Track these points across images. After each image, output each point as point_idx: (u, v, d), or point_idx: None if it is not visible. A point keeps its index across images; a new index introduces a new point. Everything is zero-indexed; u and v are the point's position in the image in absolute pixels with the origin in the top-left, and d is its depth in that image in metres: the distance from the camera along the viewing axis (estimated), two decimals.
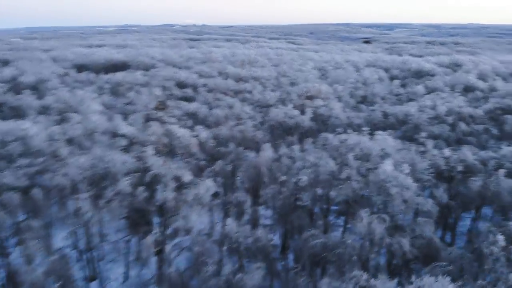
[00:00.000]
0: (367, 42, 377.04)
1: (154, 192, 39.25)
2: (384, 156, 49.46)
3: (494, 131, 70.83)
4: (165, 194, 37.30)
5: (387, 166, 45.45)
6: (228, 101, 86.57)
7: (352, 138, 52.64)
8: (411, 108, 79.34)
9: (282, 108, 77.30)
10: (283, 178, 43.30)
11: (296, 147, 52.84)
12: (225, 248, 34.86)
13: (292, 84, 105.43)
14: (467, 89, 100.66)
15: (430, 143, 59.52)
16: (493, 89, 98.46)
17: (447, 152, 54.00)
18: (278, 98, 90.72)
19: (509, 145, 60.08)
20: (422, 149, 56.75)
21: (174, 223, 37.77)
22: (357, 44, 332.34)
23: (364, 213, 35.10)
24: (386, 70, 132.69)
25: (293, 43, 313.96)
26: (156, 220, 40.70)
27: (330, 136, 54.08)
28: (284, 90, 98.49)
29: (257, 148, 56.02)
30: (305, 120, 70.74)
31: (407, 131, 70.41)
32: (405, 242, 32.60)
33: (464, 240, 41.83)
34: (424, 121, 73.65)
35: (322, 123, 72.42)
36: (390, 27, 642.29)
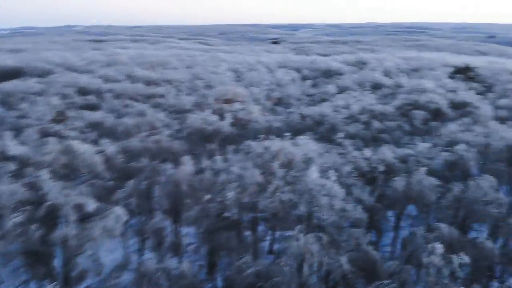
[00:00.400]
0: (275, 42, 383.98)
1: (53, 227, 32.36)
2: (308, 161, 47.32)
3: (406, 127, 73.24)
4: (65, 229, 30.71)
5: (313, 173, 43.22)
6: (139, 107, 79.36)
7: (275, 144, 49.85)
8: (326, 108, 79.27)
9: (199, 113, 72.39)
10: (207, 195, 38.69)
11: (219, 158, 48.59)
12: None
13: (208, 87, 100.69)
14: (375, 87, 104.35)
15: (348, 144, 59.13)
16: (399, 85, 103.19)
17: (366, 152, 53.55)
18: (194, 102, 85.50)
19: (423, 141, 61.97)
20: (342, 150, 55.92)
21: (79, 263, 31.28)
22: (266, 45, 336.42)
23: (297, 230, 32.03)
24: (297, 70, 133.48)
25: (204, 44, 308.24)
26: (58, 261, 33.65)
27: (252, 143, 50.68)
28: (200, 93, 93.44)
29: (175, 161, 50.62)
30: (225, 125, 66.72)
31: (324, 132, 69.73)
32: (344, 260, 30.02)
33: (399, 248, 40.81)
34: (340, 121, 73.81)
35: (242, 128, 68.99)
36: (296, 27, 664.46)
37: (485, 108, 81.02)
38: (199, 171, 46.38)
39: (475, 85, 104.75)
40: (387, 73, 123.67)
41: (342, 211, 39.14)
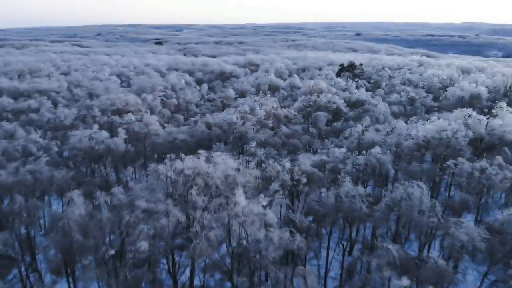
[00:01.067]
0: (159, 43, 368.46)
1: None
2: (231, 184, 40.51)
3: (313, 130, 70.99)
4: None
5: (240, 198, 36.70)
6: (6, 127, 64.08)
7: (187, 162, 41.98)
8: (231, 115, 73.27)
9: (84, 129, 60.24)
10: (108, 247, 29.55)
11: (117, 189, 38.95)
12: None
13: (91, 96, 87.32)
14: (272, 89, 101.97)
15: (262, 153, 54.25)
16: (294, 86, 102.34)
17: (285, 163, 48.85)
18: (76, 116, 72.39)
19: (334, 146, 59.56)
20: (258, 162, 50.47)
21: None
22: (150, 46, 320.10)
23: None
24: (190, 73, 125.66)
25: (80, 46, 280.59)
26: None
27: (159, 166, 42.02)
28: (82, 104, 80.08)
29: (61, 195, 39.69)
30: (119, 143, 56.14)
31: (236, 142, 63.78)
32: None
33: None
34: (249, 128, 68.49)
35: (141, 144, 59.28)
36: (179, 28, 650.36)
37: (380, 105, 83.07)
38: (95, 207, 36.61)
39: (362, 82, 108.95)
40: (280, 74, 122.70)
41: (276, 241, 33.50)
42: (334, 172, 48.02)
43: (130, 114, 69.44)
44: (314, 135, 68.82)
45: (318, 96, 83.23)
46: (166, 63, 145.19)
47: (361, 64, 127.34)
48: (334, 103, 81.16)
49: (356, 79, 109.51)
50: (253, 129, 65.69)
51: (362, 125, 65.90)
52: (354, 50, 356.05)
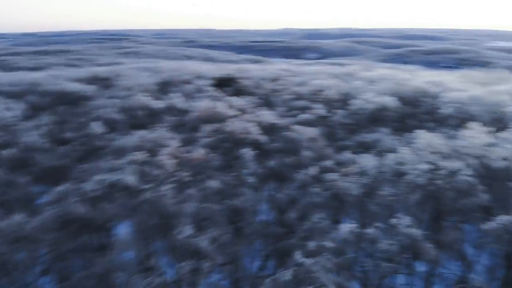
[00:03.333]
0: None
1: None
2: None
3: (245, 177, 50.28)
4: None
5: None
6: None
7: None
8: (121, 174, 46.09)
9: None
10: None
11: None
12: None
13: None
14: (152, 114, 76.37)
15: None
16: (180, 110, 78.50)
17: None
18: None
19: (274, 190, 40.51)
20: None
21: None
22: None
23: None
24: (18, 98, 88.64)
25: None
26: None
27: None
28: None
29: None
30: None
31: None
32: None
33: None
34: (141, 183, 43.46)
35: None
36: None
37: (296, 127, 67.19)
38: None
39: (250, 98, 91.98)
40: (146, 92, 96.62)
41: None
42: None
43: None
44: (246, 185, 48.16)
45: (223, 124, 62.79)
46: None
47: (236, 78, 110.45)
48: (247, 132, 61.83)
49: (240, 95, 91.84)
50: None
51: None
52: (190, 57, 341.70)
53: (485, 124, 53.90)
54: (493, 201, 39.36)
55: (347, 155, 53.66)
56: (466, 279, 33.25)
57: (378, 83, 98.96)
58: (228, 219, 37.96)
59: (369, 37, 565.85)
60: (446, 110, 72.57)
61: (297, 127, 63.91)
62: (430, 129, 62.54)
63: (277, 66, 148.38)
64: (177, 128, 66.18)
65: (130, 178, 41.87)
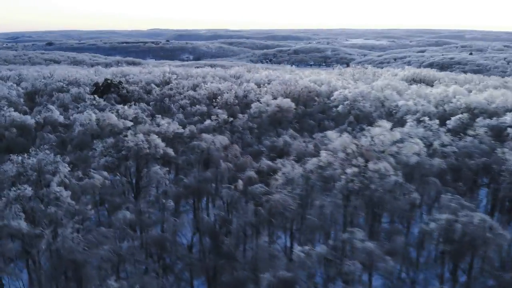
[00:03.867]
0: None
1: None
2: None
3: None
4: None
5: None
6: None
7: None
8: None
9: None
10: None
11: None
12: None
13: None
14: (26, 133, 62.70)
15: None
16: (51, 123, 65.97)
17: None
18: None
19: None
20: None
21: None
22: None
23: None
24: None
25: None
26: None
27: None
28: None
29: None
30: None
31: None
32: None
33: None
34: None
35: None
36: None
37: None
38: None
39: (144, 106, 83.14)
40: (13, 107, 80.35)
41: None
42: None
43: None
44: None
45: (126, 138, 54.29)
46: None
47: (120, 82, 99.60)
48: (156, 146, 54.36)
49: (133, 103, 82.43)
50: None
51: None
52: (56, 61, 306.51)
53: (385, 119, 56.14)
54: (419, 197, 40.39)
55: (265, 162, 50.61)
56: None
57: (270, 85, 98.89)
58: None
59: (239, 38, 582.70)
60: (342, 109, 75.08)
61: (204, 135, 58.74)
62: (333, 128, 63.72)
63: (161, 68, 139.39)
64: (61, 147, 55.27)
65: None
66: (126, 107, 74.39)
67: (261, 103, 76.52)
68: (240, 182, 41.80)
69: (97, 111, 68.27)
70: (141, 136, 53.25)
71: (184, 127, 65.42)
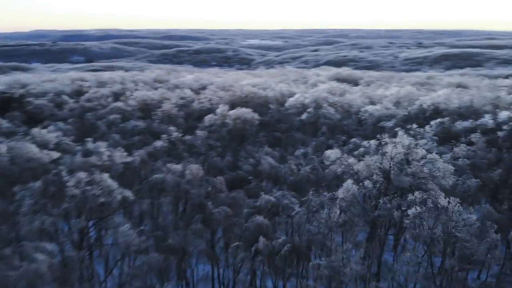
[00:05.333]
0: None
1: None
2: None
3: None
4: None
5: None
6: None
7: None
8: None
9: None
10: None
11: None
12: None
13: None
14: None
15: None
16: None
17: None
18: None
19: None
20: None
21: None
22: None
23: None
24: None
25: None
26: None
27: None
28: None
29: None
30: None
31: None
32: None
33: None
34: None
35: None
36: None
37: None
38: None
39: (60, 126, 63.52)
40: None
41: None
42: None
43: None
44: None
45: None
46: None
47: (22, 96, 76.71)
48: (110, 190, 38.26)
49: (45, 123, 62.71)
50: None
51: None
52: None
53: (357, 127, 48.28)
54: None
55: (265, 198, 38.53)
56: None
57: (208, 91, 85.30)
58: None
59: (134, 38, 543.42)
60: (307, 118, 65.54)
61: (170, 166, 43.87)
62: (304, 141, 53.98)
63: (65, 74, 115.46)
64: None
65: None
66: (41, 129, 55.01)
67: (215, 114, 63.31)
68: (262, 240, 29.16)
69: (3, 138, 48.38)
70: (82, 175, 36.99)
71: (129, 153, 49.65)
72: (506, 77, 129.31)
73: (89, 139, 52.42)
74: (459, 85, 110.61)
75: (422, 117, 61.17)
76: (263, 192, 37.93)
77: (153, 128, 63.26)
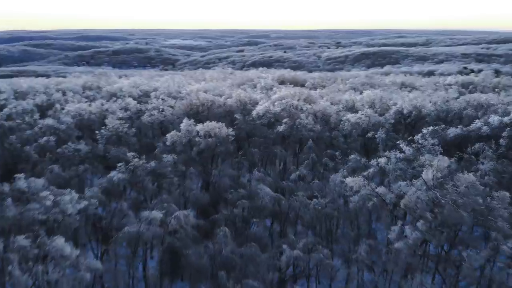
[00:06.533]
0: None
1: None
2: None
3: None
4: None
5: None
6: None
7: None
8: None
9: None
10: None
11: None
12: None
13: None
14: None
15: None
16: None
17: None
18: None
19: None
20: None
21: None
22: None
23: None
24: None
25: None
26: None
27: None
28: None
29: None
30: None
31: None
32: None
33: None
34: None
35: None
36: None
37: None
38: None
39: None
40: None
41: None
42: None
43: None
44: None
45: None
46: None
47: None
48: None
49: None
50: None
51: None
52: None
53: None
54: None
55: None
56: None
57: (155, 100, 72.07)
58: None
59: (44, 39, 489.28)
60: (285, 130, 56.43)
61: (144, 213, 31.52)
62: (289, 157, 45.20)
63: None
64: None
65: None
66: None
67: (179, 131, 51.36)
68: None
69: None
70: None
71: (81, 195, 36.55)
72: (428, 73, 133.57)
73: (19, 175, 37.78)
74: (403, 85, 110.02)
75: (404, 123, 55.96)
76: (285, 245, 27.85)
77: (99, 152, 49.53)
